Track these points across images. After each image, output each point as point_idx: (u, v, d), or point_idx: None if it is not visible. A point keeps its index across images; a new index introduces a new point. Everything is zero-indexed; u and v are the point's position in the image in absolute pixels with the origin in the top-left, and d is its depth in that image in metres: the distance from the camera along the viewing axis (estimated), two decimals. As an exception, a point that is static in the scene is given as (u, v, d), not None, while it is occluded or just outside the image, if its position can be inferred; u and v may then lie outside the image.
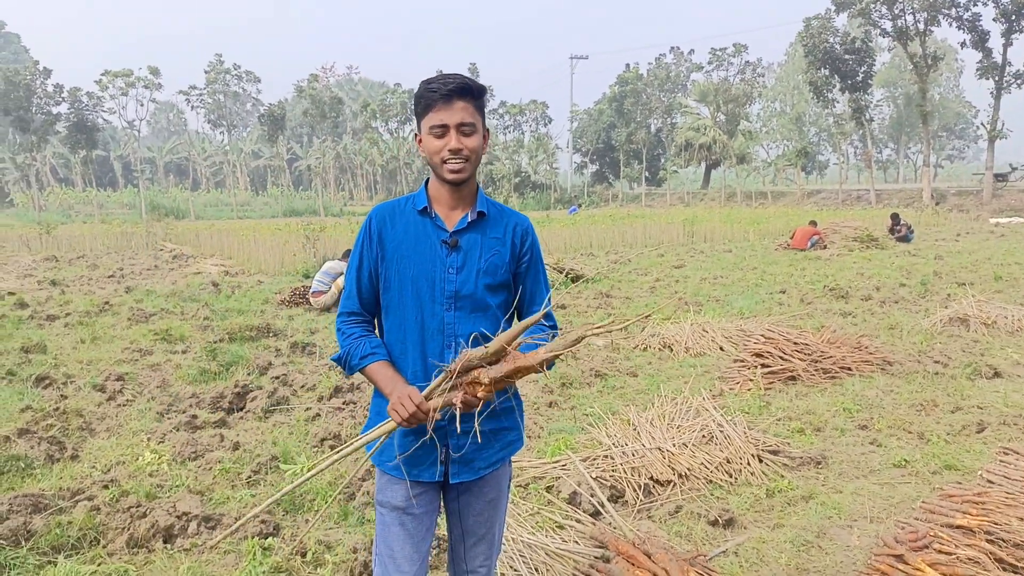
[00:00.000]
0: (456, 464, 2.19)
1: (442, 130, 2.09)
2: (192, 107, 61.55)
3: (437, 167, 2.13)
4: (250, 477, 4.56)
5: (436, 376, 2.01)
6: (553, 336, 2.26)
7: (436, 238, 2.17)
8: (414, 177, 67.79)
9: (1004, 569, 3.25)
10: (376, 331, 2.30)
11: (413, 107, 2.18)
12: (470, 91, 2.09)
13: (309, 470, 2.12)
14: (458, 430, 2.00)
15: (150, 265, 18.14)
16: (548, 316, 2.26)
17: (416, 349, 2.17)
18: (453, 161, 2.10)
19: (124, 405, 6.12)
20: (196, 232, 24.77)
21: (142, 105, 53.13)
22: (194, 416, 5.63)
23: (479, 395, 1.95)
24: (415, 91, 2.16)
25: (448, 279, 2.15)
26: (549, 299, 2.24)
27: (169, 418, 5.73)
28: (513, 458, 4.75)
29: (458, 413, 1.95)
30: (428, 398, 1.99)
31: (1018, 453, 4.49)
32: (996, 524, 3.45)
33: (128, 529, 3.78)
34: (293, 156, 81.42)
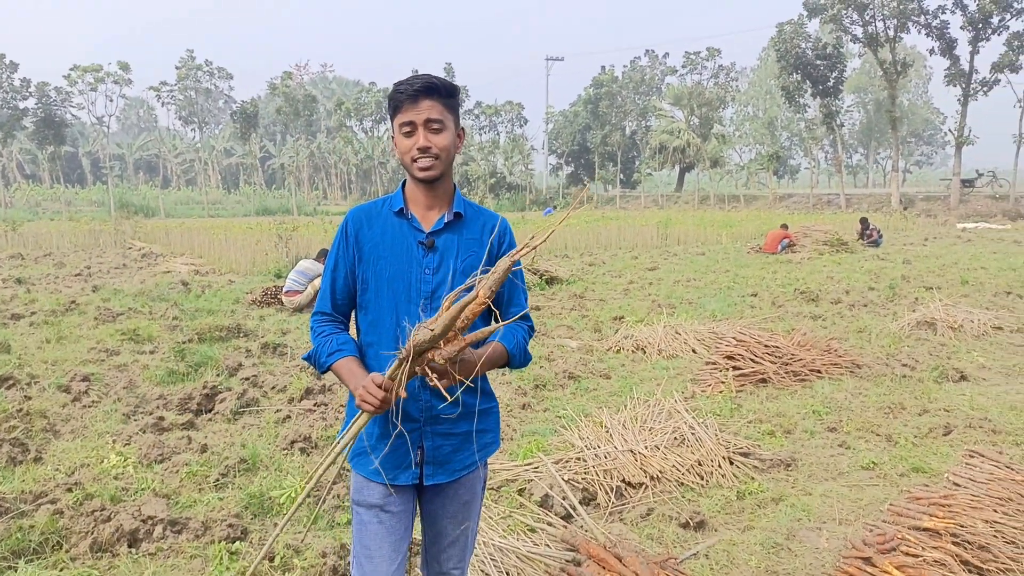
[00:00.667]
0: (431, 466, 2.19)
1: (411, 128, 2.10)
2: (163, 103, 60.70)
3: (408, 166, 2.14)
4: (218, 480, 4.49)
5: (390, 365, 1.99)
6: (530, 333, 2.30)
7: (412, 239, 2.17)
8: (388, 177, 67.44)
9: (969, 571, 3.30)
10: (349, 331, 2.29)
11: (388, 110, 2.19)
12: (437, 90, 2.10)
13: (302, 488, 2.10)
14: (423, 431, 2.01)
15: (118, 264, 17.85)
16: (526, 317, 2.27)
17: (393, 349, 2.15)
18: (422, 159, 2.10)
19: (89, 406, 6.01)
20: (166, 230, 24.43)
21: (111, 101, 52.35)
22: (161, 418, 5.54)
23: (436, 358, 1.91)
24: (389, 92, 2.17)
25: (424, 280, 2.15)
26: (527, 300, 2.25)
27: (135, 420, 5.63)
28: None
29: (432, 381, 1.92)
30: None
31: (983, 456, 4.56)
32: (962, 526, 3.50)
33: (92, 533, 3.70)
34: (266, 154, 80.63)
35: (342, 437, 2.08)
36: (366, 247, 2.19)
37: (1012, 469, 4.31)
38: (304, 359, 2.27)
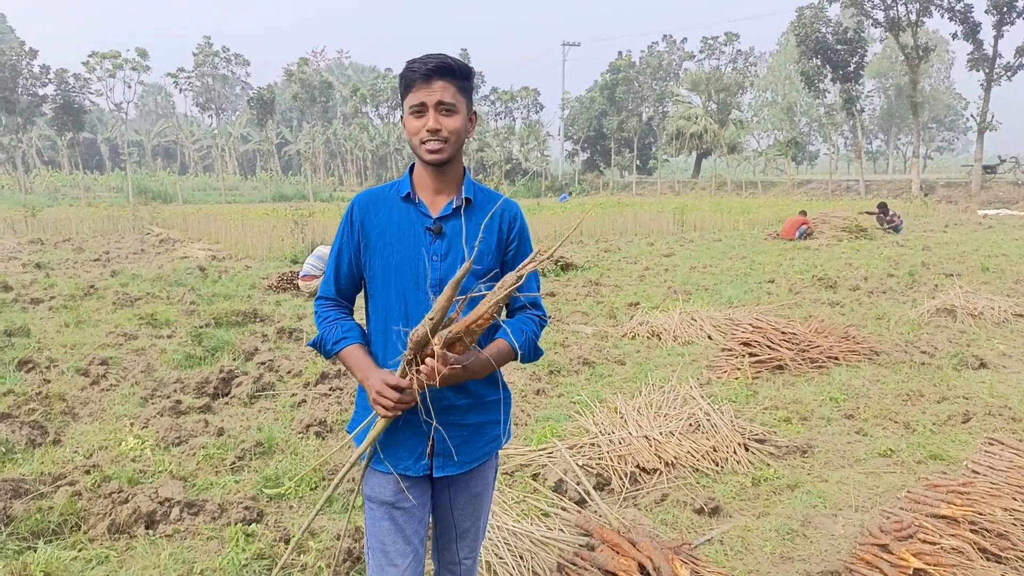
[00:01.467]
0: (440, 457, 2.14)
1: (421, 109, 2.02)
2: (180, 90, 61.01)
3: (416, 148, 2.06)
4: (234, 463, 4.52)
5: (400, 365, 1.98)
6: (541, 324, 2.22)
7: (420, 225, 2.10)
8: (404, 163, 67.45)
9: (988, 559, 3.27)
10: (353, 316, 2.27)
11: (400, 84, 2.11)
12: (451, 70, 2.02)
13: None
14: (433, 422, 1.97)
15: (136, 249, 17.99)
16: (537, 305, 2.21)
17: (400, 338, 2.12)
18: (432, 141, 2.03)
19: (108, 390, 6.06)
20: (183, 216, 24.59)
21: (129, 87, 52.73)
22: (178, 401, 5.59)
23: (438, 351, 1.87)
24: (403, 69, 2.09)
25: (433, 266, 2.08)
26: (539, 287, 2.19)
27: (153, 403, 5.68)
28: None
29: (437, 383, 1.88)
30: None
31: (1003, 443, 4.51)
32: (980, 514, 3.47)
33: (110, 515, 3.74)
34: (282, 141, 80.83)
35: (356, 434, 2.09)
36: (372, 233, 2.13)
37: (1032, 457, 4.26)
38: (310, 345, 2.23)
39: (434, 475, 2.16)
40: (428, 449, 2.13)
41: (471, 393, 2.14)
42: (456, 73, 2.04)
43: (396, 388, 1.93)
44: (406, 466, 2.14)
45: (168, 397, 5.76)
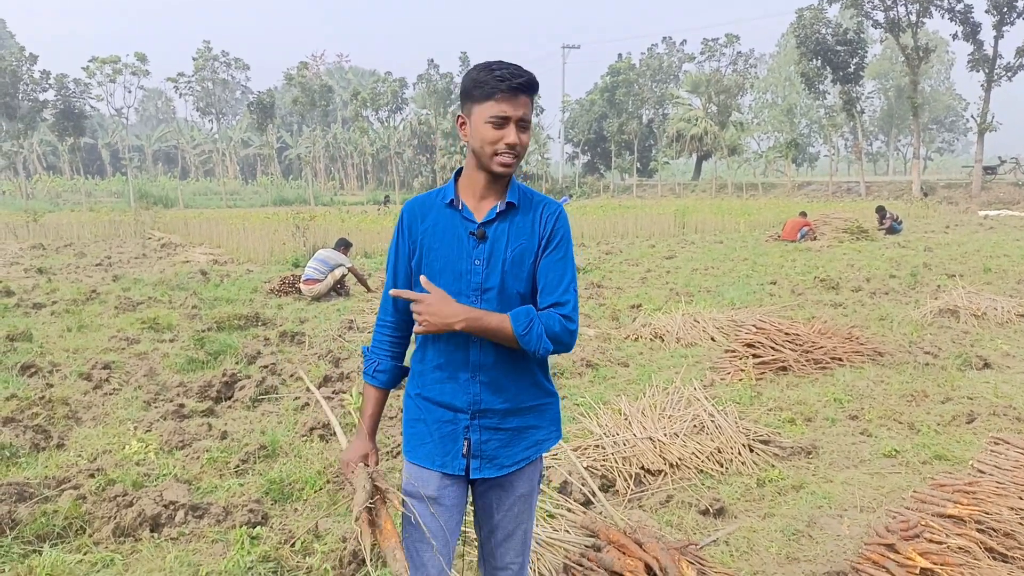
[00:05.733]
0: (478, 459, 2.13)
1: (502, 122, 2.00)
2: (180, 95, 61.22)
3: (486, 158, 2.03)
4: (238, 466, 4.52)
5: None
6: (562, 325, 2.05)
7: (464, 230, 2.09)
8: (405, 167, 67.50)
9: (994, 558, 3.26)
10: (405, 342, 2.30)
11: (465, 89, 2.06)
12: (535, 88, 2.04)
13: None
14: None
15: (138, 253, 18.01)
16: (562, 305, 2.08)
17: (442, 341, 2.12)
18: (506, 155, 2.01)
19: (110, 394, 6.06)
20: (185, 221, 24.59)
21: (130, 92, 52.83)
22: (181, 405, 5.58)
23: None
24: (469, 73, 2.06)
25: (475, 271, 2.06)
26: (566, 288, 2.08)
27: (156, 407, 5.68)
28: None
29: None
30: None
31: (1008, 443, 4.50)
32: (987, 513, 3.46)
33: (114, 518, 3.73)
34: (283, 145, 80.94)
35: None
36: (419, 239, 2.14)
37: (1038, 457, 4.25)
38: (364, 351, 2.38)
39: (471, 476, 2.14)
40: (464, 449, 2.12)
41: (509, 397, 2.12)
42: (535, 89, 2.06)
43: (346, 466, 2.20)
44: (444, 462, 2.13)
45: (171, 401, 5.76)
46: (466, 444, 2.11)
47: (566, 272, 2.10)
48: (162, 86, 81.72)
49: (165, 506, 3.83)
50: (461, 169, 2.16)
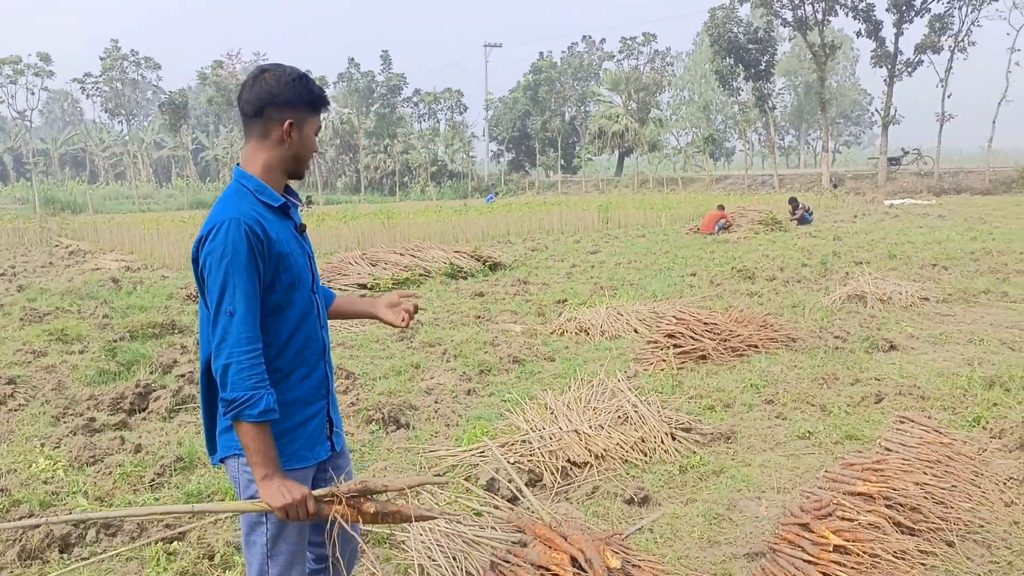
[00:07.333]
0: (336, 434, 2.35)
1: (318, 131, 2.25)
2: (88, 96, 58.49)
3: (302, 161, 2.21)
4: (153, 480, 4.35)
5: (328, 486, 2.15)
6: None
7: (292, 228, 2.24)
8: (327, 167, 66.24)
9: (902, 532, 3.42)
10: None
11: (300, 97, 2.14)
12: None
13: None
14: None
15: (44, 262, 17.15)
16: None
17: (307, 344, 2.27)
18: (309, 160, 2.26)
19: (16, 410, 5.75)
20: (95, 226, 23.54)
21: (33, 94, 50.13)
22: (92, 419, 5.34)
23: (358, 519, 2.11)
24: (304, 83, 2.15)
25: (314, 267, 2.28)
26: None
27: (65, 422, 5.42)
28: (430, 447, 4.72)
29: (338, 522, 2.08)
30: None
31: (913, 421, 4.72)
32: (894, 490, 3.62)
33: (20, 540, 3.54)
34: (199, 146, 78.29)
35: (240, 502, 2.13)
36: (274, 251, 2.23)
37: (940, 432, 4.48)
38: (225, 398, 2.01)
39: (336, 448, 2.33)
40: (328, 431, 2.30)
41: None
42: None
43: (309, 510, 2.05)
44: (318, 451, 2.25)
45: (81, 415, 5.50)
46: (329, 425, 2.30)
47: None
48: (68, 87, 77.97)
49: (75, 525, 3.65)
50: (244, 172, 2.15)
